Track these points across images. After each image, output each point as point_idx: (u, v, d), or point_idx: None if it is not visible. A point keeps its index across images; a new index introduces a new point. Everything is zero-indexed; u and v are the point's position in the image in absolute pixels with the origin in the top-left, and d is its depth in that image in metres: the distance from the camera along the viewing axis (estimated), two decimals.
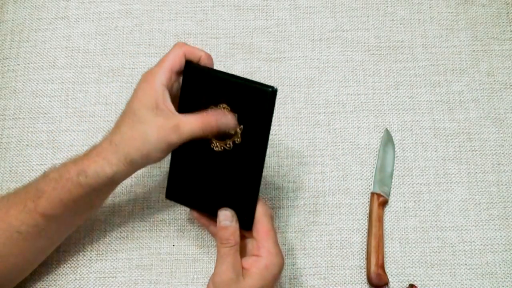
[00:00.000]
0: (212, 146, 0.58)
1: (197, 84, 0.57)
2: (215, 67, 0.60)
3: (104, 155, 0.57)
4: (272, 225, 0.58)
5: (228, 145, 0.57)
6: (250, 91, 0.55)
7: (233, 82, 0.56)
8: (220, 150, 0.57)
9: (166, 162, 0.72)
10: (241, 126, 0.56)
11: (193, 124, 0.56)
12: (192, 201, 0.61)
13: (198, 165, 0.59)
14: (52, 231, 0.60)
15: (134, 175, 0.71)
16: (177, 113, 0.57)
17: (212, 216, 0.60)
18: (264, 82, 0.55)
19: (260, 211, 0.58)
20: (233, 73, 0.57)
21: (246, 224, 0.58)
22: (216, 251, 0.67)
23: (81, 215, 0.62)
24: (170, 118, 0.56)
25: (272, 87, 0.55)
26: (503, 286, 0.67)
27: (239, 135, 0.56)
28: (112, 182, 0.58)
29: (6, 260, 0.59)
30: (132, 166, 0.57)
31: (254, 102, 0.55)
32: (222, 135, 0.57)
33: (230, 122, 0.56)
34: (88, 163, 0.57)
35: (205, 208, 0.60)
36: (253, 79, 0.56)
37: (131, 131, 0.57)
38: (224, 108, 0.56)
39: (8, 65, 0.77)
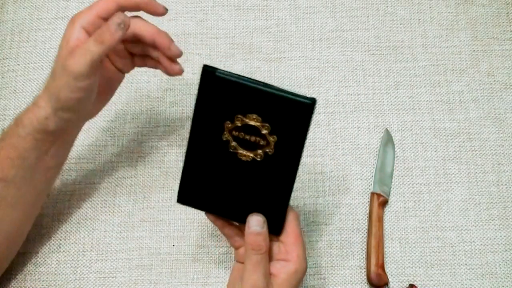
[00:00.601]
0: (239, 157, 0.54)
1: (218, 93, 0.53)
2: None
3: (36, 101, 0.57)
4: (300, 229, 0.56)
5: (259, 156, 0.54)
6: (286, 103, 0.51)
7: (267, 92, 0.51)
8: (248, 160, 0.54)
9: (167, 163, 0.72)
10: (275, 136, 0.53)
11: (89, 43, 0.54)
12: (210, 205, 0.57)
13: (220, 172, 0.55)
14: (14, 197, 0.58)
15: (133, 174, 0.71)
16: None
17: (231, 220, 0.58)
18: (297, 92, 0.52)
19: (290, 214, 0.56)
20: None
21: (275, 229, 0.56)
22: (216, 251, 0.68)
23: (38, 177, 0.59)
24: (73, 47, 0.55)
25: (311, 99, 0.51)
26: (503, 286, 0.66)
27: (272, 146, 0.53)
28: (49, 129, 0.56)
29: None
30: (58, 108, 0.55)
31: (290, 114, 0.51)
32: (251, 145, 0.54)
33: (123, 16, 0.54)
34: (24, 112, 0.57)
35: (225, 213, 0.57)
36: (285, 88, 0.52)
37: (52, 73, 0.57)
38: (254, 119, 0.52)
39: (8, 65, 0.77)
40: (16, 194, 0.59)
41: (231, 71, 0.53)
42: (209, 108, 0.53)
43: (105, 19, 0.55)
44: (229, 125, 0.53)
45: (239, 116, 0.52)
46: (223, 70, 0.52)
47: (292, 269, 0.54)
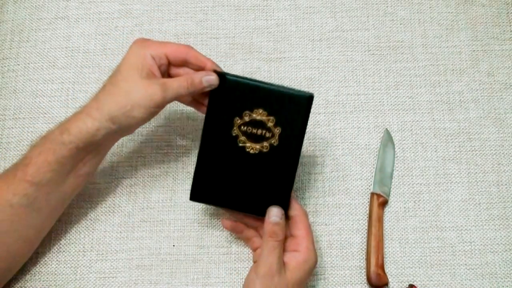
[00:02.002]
0: (247, 150, 0.60)
1: (228, 93, 0.60)
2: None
3: (88, 111, 0.58)
4: (309, 224, 0.61)
5: (265, 148, 0.60)
6: (289, 97, 0.60)
7: (272, 89, 0.60)
8: (255, 152, 0.60)
9: (167, 163, 0.72)
10: (279, 128, 0.60)
11: (178, 82, 0.59)
12: (222, 200, 0.62)
13: (230, 166, 0.61)
14: (42, 202, 0.59)
15: (133, 174, 0.71)
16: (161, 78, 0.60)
17: (242, 212, 0.63)
18: (297, 88, 0.60)
19: (300, 211, 0.61)
20: (234, 73, 0.61)
21: None
22: (216, 252, 0.68)
23: (68, 183, 0.61)
24: (156, 79, 0.59)
25: (309, 93, 0.60)
26: (503, 286, 0.67)
27: (277, 137, 0.60)
28: (94, 140, 0.58)
29: (1, 240, 0.59)
30: (114, 123, 0.58)
31: (292, 108, 0.60)
32: (258, 138, 0.60)
33: (214, 79, 0.59)
34: (72, 121, 0.58)
35: (235, 205, 0.62)
36: (285, 85, 0.60)
37: (116, 88, 0.59)
38: (261, 113, 0.59)
39: (8, 65, 0.77)
40: (45, 198, 0.60)
41: (239, 74, 0.61)
42: (220, 107, 0.60)
43: (169, 60, 0.61)
44: (238, 121, 0.60)
45: (247, 112, 0.60)
46: (232, 74, 0.60)
47: (301, 258, 0.59)
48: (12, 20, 0.79)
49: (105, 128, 0.58)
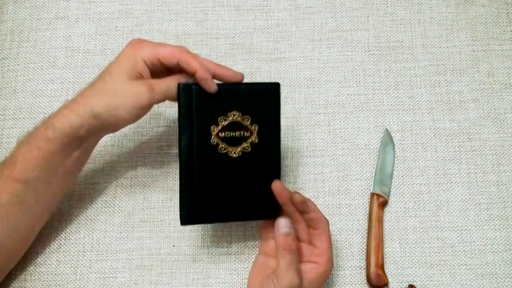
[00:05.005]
0: (229, 155, 0.60)
1: (198, 104, 0.59)
2: None
3: (73, 107, 0.58)
4: (330, 234, 0.61)
5: (246, 148, 0.60)
6: (257, 92, 0.61)
7: (240, 89, 0.61)
8: (238, 155, 0.60)
9: (167, 163, 0.72)
10: (256, 125, 0.60)
11: (166, 83, 0.59)
12: (216, 215, 0.61)
13: (216, 176, 0.60)
14: (32, 200, 0.60)
15: (133, 174, 0.71)
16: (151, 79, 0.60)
17: (239, 221, 0.64)
18: (263, 82, 0.60)
19: (325, 222, 0.60)
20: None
21: (272, 212, 0.61)
22: (216, 252, 0.68)
23: (57, 180, 0.61)
24: (145, 81, 0.59)
25: (275, 83, 0.61)
26: (503, 286, 0.67)
27: (256, 134, 0.60)
28: (78, 135, 0.58)
29: None
30: (97, 120, 0.58)
31: (263, 101, 0.60)
32: (238, 140, 0.60)
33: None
34: (57, 116, 0.59)
35: (231, 217, 0.62)
36: (251, 81, 0.60)
37: (103, 86, 0.59)
38: (235, 115, 0.59)
39: (8, 65, 0.77)
40: (35, 196, 0.60)
41: None
42: (193, 120, 0.59)
43: (162, 63, 0.60)
44: (215, 129, 0.59)
45: (222, 117, 0.59)
46: (197, 83, 0.59)
47: (322, 270, 0.59)
48: (12, 20, 0.79)
49: (89, 124, 0.58)
